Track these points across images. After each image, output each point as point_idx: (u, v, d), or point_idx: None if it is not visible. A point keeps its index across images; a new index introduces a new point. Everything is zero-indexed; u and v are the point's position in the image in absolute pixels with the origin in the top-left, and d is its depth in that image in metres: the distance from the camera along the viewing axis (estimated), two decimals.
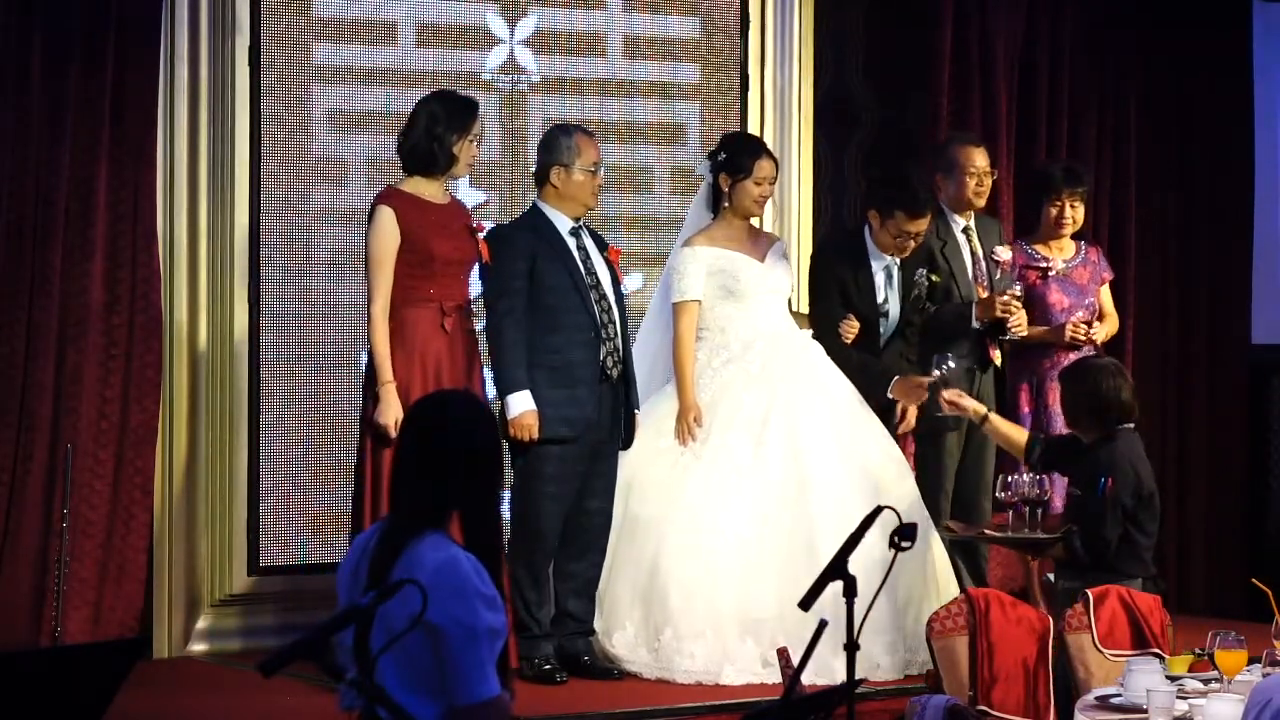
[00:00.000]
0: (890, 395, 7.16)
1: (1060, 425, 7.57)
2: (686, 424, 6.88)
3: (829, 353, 7.12)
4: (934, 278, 7.36)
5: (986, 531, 6.72)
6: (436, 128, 6.55)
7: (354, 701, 3.89)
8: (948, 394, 6.98)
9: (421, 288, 6.51)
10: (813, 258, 7.57)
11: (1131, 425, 6.55)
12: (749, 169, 7.00)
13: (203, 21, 7.28)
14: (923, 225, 7.17)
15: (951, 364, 7.12)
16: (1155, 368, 8.99)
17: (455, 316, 6.59)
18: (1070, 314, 7.65)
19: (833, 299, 7.23)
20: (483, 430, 4.06)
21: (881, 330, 7.29)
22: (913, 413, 7.22)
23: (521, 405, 6.60)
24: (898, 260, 7.28)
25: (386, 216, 6.49)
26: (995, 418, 7.01)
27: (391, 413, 6.38)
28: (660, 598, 6.71)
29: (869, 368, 7.19)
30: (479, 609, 3.81)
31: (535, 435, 6.61)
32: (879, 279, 7.28)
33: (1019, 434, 6.93)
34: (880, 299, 7.28)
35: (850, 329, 7.17)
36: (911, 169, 7.90)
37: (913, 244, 7.20)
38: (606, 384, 6.74)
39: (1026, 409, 7.64)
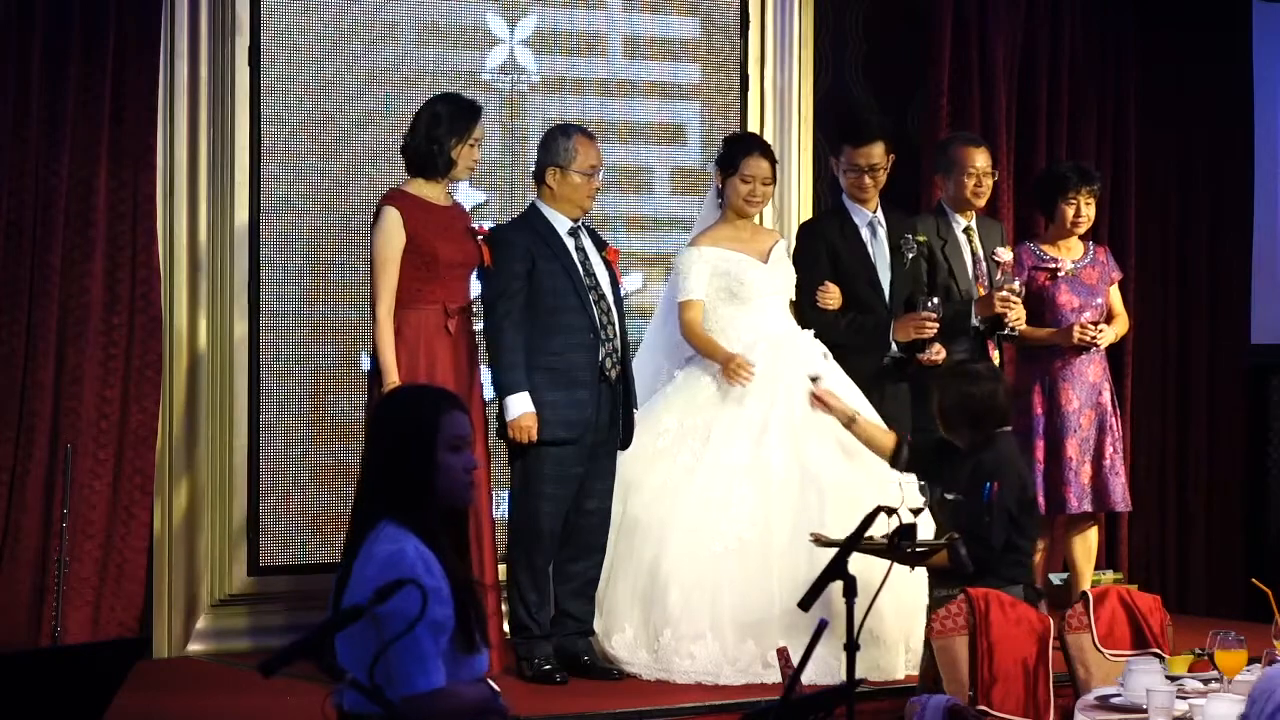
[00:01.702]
0: (895, 340, 7.17)
1: (1073, 426, 7.58)
2: (734, 368, 6.84)
3: (818, 327, 7.12)
4: (919, 238, 7.38)
5: (845, 539, 6.47)
6: (436, 131, 6.55)
7: (339, 699, 3.90)
8: (818, 391, 6.81)
9: (425, 290, 6.51)
10: (799, 229, 7.60)
11: (1009, 428, 6.37)
12: (736, 165, 7.01)
13: (203, 21, 7.28)
14: (873, 155, 7.21)
15: (934, 301, 7.16)
16: (1155, 368, 8.99)
17: (458, 318, 6.59)
18: (1080, 314, 7.65)
19: (818, 265, 7.24)
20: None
21: (884, 287, 7.29)
22: (939, 348, 7.20)
23: (520, 407, 6.60)
24: (882, 220, 7.32)
25: (392, 218, 6.49)
26: (862, 420, 6.80)
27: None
28: (660, 600, 6.70)
29: (863, 325, 7.20)
30: (418, 600, 3.78)
31: (534, 437, 6.61)
32: (865, 233, 7.31)
33: (886, 436, 6.73)
34: (870, 253, 7.29)
35: (826, 295, 7.18)
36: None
37: (869, 180, 7.23)
38: (605, 385, 6.74)
39: (1039, 411, 7.63)
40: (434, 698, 3.86)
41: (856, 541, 4.68)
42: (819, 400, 6.79)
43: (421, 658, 3.84)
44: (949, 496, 6.13)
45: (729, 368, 6.86)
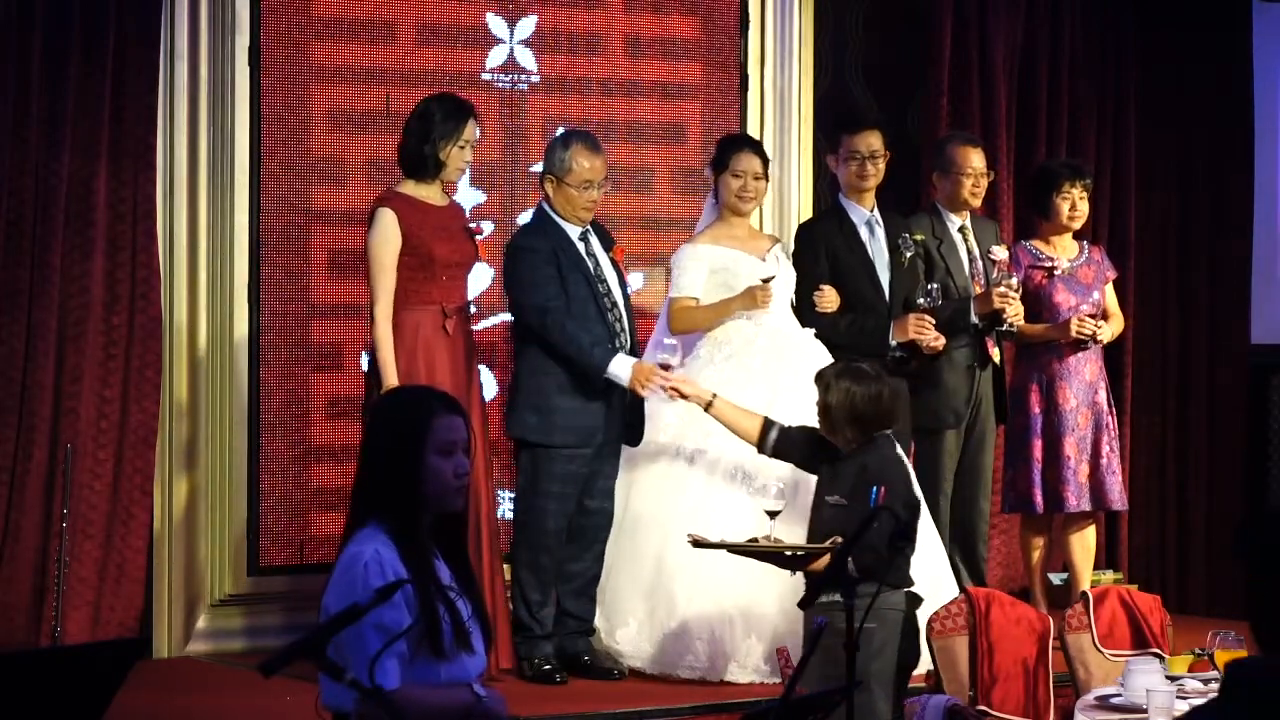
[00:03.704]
0: (894, 341, 7.20)
1: (1070, 424, 7.57)
2: (754, 294, 6.86)
3: (818, 329, 7.12)
4: (916, 237, 7.40)
5: (728, 541, 6.08)
6: (427, 132, 6.53)
7: (329, 698, 3.88)
8: (672, 379, 6.51)
9: (423, 290, 6.50)
10: (797, 231, 7.62)
11: (890, 431, 6.01)
12: (727, 162, 7.03)
13: (203, 21, 7.28)
14: (871, 141, 7.26)
15: (934, 287, 7.20)
16: (1155, 367, 8.99)
17: (456, 319, 6.58)
18: (1076, 312, 7.64)
19: (817, 266, 7.25)
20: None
21: (884, 284, 7.30)
22: (938, 335, 7.23)
23: (625, 368, 6.57)
24: (879, 219, 7.35)
25: (388, 219, 6.48)
26: (721, 401, 6.43)
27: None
28: (665, 594, 6.71)
29: (863, 326, 7.22)
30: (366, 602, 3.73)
31: (654, 379, 6.54)
32: (863, 232, 7.33)
33: (750, 419, 6.32)
34: (870, 252, 7.31)
35: (823, 299, 7.20)
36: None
37: (870, 169, 7.26)
38: (616, 387, 6.73)
39: (1037, 409, 7.62)
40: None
41: (857, 540, 4.68)
42: (674, 390, 6.52)
43: (371, 658, 3.77)
44: (830, 500, 5.86)
45: (750, 298, 6.87)
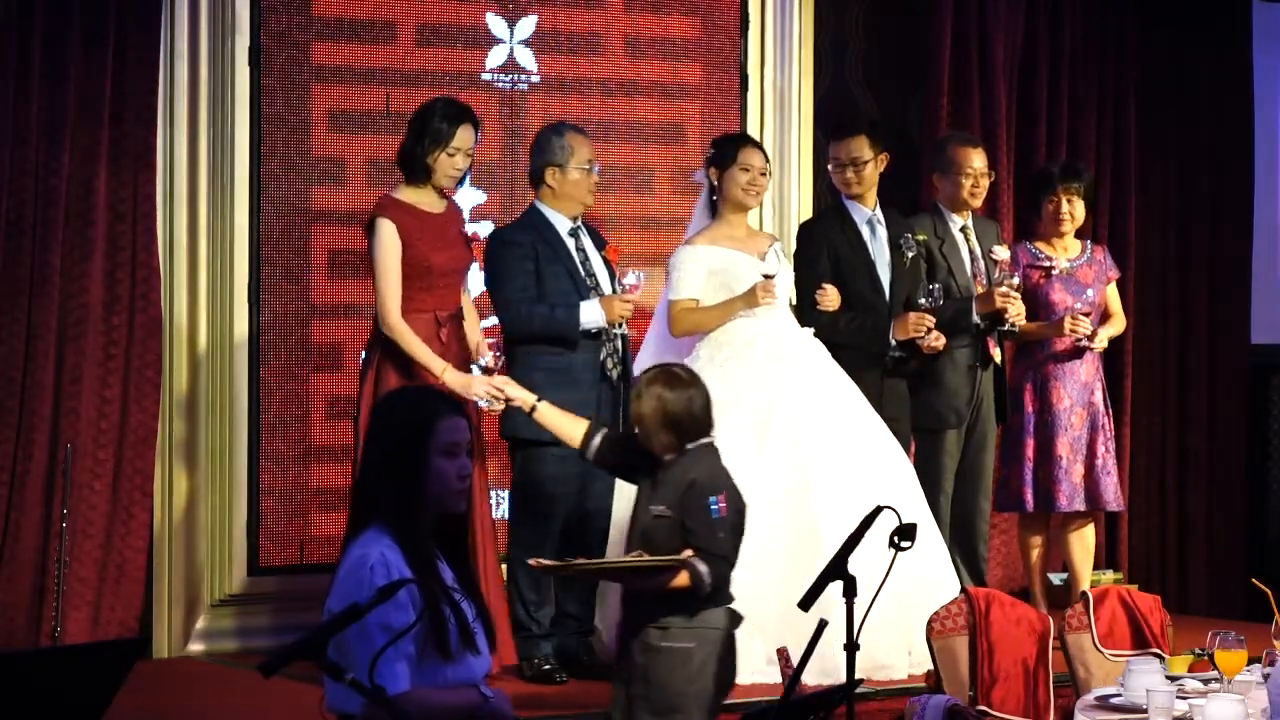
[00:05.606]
0: (895, 339, 7.22)
1: (1064, 425, 7.58)
2: (758, 293, 6.85)
3: (818, 328, 7.13)
4: (919, 237, 7.41)
5: (575, 562, 5.81)
6: (420, 134, 6.50)
7: (330, 699, 3.88)
8: (495, 381, 6.22)
9: (418, 299, 6.48)
10: (798, 230, 7.62)
11: (711, 439, 5.63)
12: (734, 157, 7.02)
13: (203, 21, 7.29)
14: (852, 148, 7.27)
15: (935, 287, 7.22)
16: (1155, 368, 8.99)
17: (450, 326, 6.56)
18: (1070, 312, 7.65)
19: (818, 265, 7.27)
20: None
21: (884, 282, 7.31)
22: (938, 334, 7.26)
23: (595, 309, 6.62)
24: (880, 218, 7.36)
25: (387, 230, 6.45)
26: (544, 407, 6.05)
27: (474, 385, 6.37)
28: None
29: (863, 325, 7.23)
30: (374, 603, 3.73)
31: (628, 309, 6.65)
32: (864, 231, 7.34)
33: (574, 424, 5.87)
34: (870, 251, 7.32)
35: (825, 298, 7.20)
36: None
37: (852, 175, 7.27)
38: (607, 384, 6.74)
39: (1030, 409, 7.63)
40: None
41: (857, 541, 4.67)
42: (498, 392, 6.23)
43: (378, 660, 3.76)
44: (654, 509, 5.52)
45: (754, 296, 6.85)
